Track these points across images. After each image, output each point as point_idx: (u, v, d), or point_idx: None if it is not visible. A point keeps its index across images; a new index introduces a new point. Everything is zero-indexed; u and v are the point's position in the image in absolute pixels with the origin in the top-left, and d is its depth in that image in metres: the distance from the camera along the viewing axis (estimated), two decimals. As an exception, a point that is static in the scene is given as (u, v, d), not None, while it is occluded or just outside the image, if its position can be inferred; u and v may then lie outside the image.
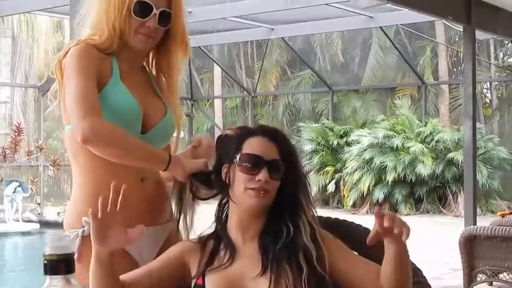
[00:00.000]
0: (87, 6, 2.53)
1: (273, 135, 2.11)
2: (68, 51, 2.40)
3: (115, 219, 1.97)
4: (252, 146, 2.08)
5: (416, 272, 2.19)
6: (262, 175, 2.03)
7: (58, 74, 2.43)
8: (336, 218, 2.35)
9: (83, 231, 2.38)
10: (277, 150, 2.08)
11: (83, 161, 2.43)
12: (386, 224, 1.87)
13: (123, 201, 1.97)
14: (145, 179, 2.45)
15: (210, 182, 2.19)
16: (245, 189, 2.05)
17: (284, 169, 2.07)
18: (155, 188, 2.49)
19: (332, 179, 17.32)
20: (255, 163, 2.05)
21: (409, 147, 16.11)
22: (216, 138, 2.23)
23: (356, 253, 2.12)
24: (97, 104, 2.30)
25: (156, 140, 2.49)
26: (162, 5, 2.48)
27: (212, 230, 2.16)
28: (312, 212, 2.11)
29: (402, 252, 1.95)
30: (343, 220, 2.35)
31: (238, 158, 2.07)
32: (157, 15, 2.47)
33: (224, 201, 2.16)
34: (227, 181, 2.10)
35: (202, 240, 2.14)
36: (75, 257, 2.26)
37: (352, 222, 2.33)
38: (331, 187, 17.23)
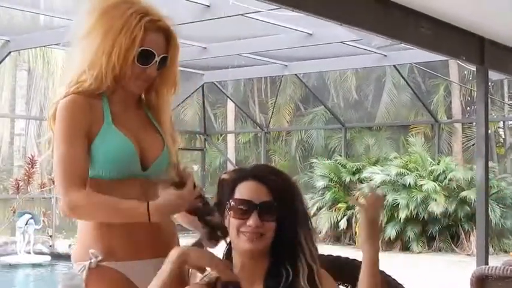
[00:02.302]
0: (83, 44, 2.50)
1: (263, 176, 2.09)
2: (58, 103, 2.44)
3: None
4: (243, 190, 2.08)
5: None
6: (253, 220, 2.03)
7: (51, 124, 2.47)
8: (338, 256, 2.35)
9: (90, 263, 2.40)
10: (267, 191, 2.07)
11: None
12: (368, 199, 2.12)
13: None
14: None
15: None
16: (238, 234, 2.06)
17: (278, 209, 2.06)
18: (161, 223, 2.49)
19: (344, 216, 17.24)
20: (245, 208, 2.05)
21: (421, 185, 16.06)
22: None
23: None
24: (81, 175, 2.38)
25: (158, 173, 2.53)
26: (162, 51, 2.51)
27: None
28: (312, 250, 2.10)
29: (374, 255, 2.06)
30: (346, 257, 2.35)
31: (230, 203, 2.09)
32: (157, 63, 2.50)
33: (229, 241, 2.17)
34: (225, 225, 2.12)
35: (212, 283, 2.14)
36: None
37: (354, 259, 2.33)
38: (343, 224, 17.15)
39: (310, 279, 2.04)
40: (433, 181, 16.15)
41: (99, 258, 2.37)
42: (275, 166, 2.33)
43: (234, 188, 2.09)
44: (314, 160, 19.06)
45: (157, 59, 2.48)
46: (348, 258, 2.35)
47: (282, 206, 2.07)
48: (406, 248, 16.09)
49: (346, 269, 2.28)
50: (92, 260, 2.40)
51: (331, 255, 2.29)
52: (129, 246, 2.41)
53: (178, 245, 2.56)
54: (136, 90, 2.55)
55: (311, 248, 2.09)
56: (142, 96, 2.64)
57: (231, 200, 2.08)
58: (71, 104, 2.42)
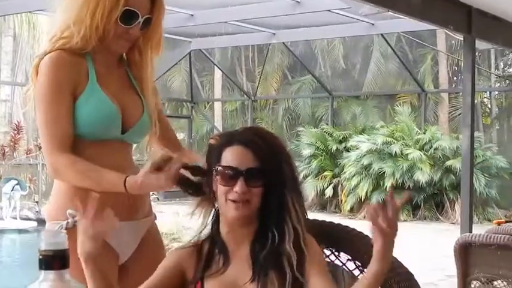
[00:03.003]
0: (66, 2, 2.48)
1: (248, 141, 2.07)
2: (43, 57, 2.42)
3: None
4: (228, 156, 2.06)
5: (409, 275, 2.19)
6: (239, 186, 2.01)
7: (33, 77, 2.44)
8: (322, 220, 2.35)
9: (67, 223, 2.41)
10: (253, 156, 2.04)
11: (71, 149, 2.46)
12: (387, 214, 1.84)
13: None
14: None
15: (198, 188, 2.19)
16: (225, 201, 2.05)
17: (265, 174, 2.04)
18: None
19: (330, 184, 17.32)
20: (231, 174, 2.03)
21: (407, 154, 16.12)
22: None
23: (325, 275, 2.05)
24: (64, 136, 2.37)
25: (135, 137, 2.57)
26: (146, 12, 2.49)
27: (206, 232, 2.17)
28: (299, 215, 2.08)
29: (380, 275, 1.88)
30: (330, 222, 2.35)
31: (216, 170, 2.08)
32: (140, 23, 2.48)
33: (217, 205, 2.16)
34: (212, 192, 2.11)
35: (198, 244, 2.14)
36: None
37: (338, 223, 2.33)
38: (329, 192, 17.23)
39: (295, 244, 2.03)
40: (419, 150, 16.22)
41: (76, 218, 2.33)
42: (264, 127, 2.31)
43: (220, 153, 2.08)
44: (301, 128, 19.08)
45: (140, 19, 2.47)
46: (331, 222, 2.35)
47: (268, 170, 2.05)
48: (391, 216, 16.16)
49: (330, 233, 2.27)
50: (69, 220, 2.40)
51: (316, 220, 2.28)
52: (105, 207, 2.40)
53: (151, 207, 2.62)
54: (119, 50, 2.54)
55: (298, 213, 2.07)
56: (124, 55, 2.62)
57: (217, 166, 2.07)
58: (57, 60, 2.40)
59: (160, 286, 2.07)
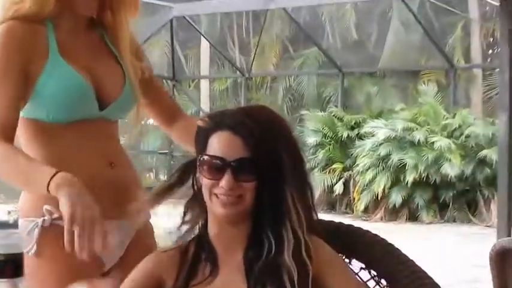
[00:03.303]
0: None
1: (238, 124, 2.01)
2: None
3: None
4: (215, 144, 2.02)
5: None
6: (225, 181, 1.97)
7: None
8: (339, 222, 2.33)
9: (44, 220, 2.38)
10: (244, 144, 1.99)
11: (40, 146, 2.45)
12: None
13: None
14: (114, 164, 2.47)
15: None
16: (211, 196, 2.01)
17: (258, 165, 1.99)
18: (126, 175, 2.51)
19: (340, 179, 17.35)
20: (216, 166, 2.00)
21: (433, 142, 16.15)
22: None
23: (350, 271, 2.09)
24: (4, 122, 2.33)
25: (118, 113, 2.55)
26: None
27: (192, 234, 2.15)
28: (301, 217, 2.03)
29: None
30: (339, 223, 2.33)
31: (200, 159, 2.04)
32: None
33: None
34: (196, 186, 2.09)
35: (182, 248, 2.12)
36: (32, 252, 2.31)
37: (359, 227, 2.31)
38: (338, 188, 17.26)
39: (296, 253, 1.99)
40: (447, 138, 16.25)
41: (55, 215, 2.33)
42: (264, 105, 2.26)
43: (206, 139, 2.05)
44: (305, 112, 19.11)
45: None
46: (341, 223, 2.33)
47: (263, 160, 2.00)
48: (413, 217, 16.23)
49: (339, 236, 2.25)
50: (46, 218, 2.38)
51: (321, 220, 2.25)
52: None
53: (145, 205, 2.60)
54: (86, 12, 2.50)
55: (300, 214, 2.02)
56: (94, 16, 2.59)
57: (202, 156, 2.05)
58: (6, 33, 2.37)
59: None
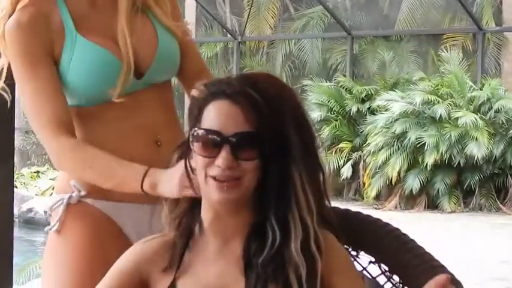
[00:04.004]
0: None
1: (238, 93, 1.99)
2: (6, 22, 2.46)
3: None
4: (211, 115, 1.99)
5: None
6: (222, 158, 1.95)
7: (3, 48, 2.49)
8: (345, 209, 2.32)
9: (70, 197, 2.50)
10: (244, 116, 1.97)
11: (81, 124, 2.53)
12: None
13: None
14: (160, 142, 2.54)
15: None
16: (206, 177, 1.99)
17: (261, 141, 1.98)
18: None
19: (348, 160, 17.39)
20: (212, 142, 1.98)
21: (457, 118, 16.15)
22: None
23: (357, 275, 2.10)
24: (59, 114, 2.42)
25: (160, 75, 2.60)
26: None
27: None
28: (310, 202, 2.02)
29: None
30: (356, 212, 2.33)
31: (193, 134, 2.02)
32: None
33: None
34: (190, 167, 2.08)
35: (170, 237, 2.11)
36: (54, 228, 2.47)
37: (368, 215, 2.31)
38: (346, 171, 17.29)
39: (304, 246, 1.97)
40: (474, 113, 16.25)
41: (82, 193, 2.47)
42: (268, 73, 2.24)
43: (201, 110, 2.01)
44: (307, 82, 19.11)
45: None
46: (348, 210, 2.32)
47: (267, 135, 1.98)
48: (433, 205, 16.27)
49: (345, 225, 2.24)
50: (74, 194, 2.49)
51: (337, 208, 2.24)
52: None
53: None
54: None
55: (309, 199, 2.01)
56: None
57: (195, 129, 2.02)
58: (23, 23, 2.44)
59: None
